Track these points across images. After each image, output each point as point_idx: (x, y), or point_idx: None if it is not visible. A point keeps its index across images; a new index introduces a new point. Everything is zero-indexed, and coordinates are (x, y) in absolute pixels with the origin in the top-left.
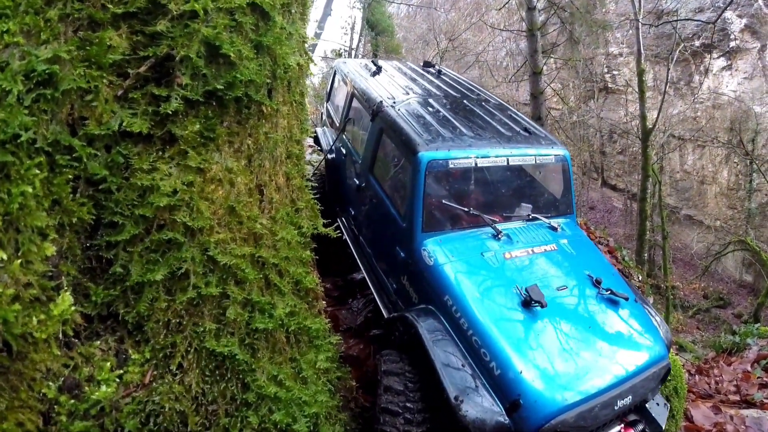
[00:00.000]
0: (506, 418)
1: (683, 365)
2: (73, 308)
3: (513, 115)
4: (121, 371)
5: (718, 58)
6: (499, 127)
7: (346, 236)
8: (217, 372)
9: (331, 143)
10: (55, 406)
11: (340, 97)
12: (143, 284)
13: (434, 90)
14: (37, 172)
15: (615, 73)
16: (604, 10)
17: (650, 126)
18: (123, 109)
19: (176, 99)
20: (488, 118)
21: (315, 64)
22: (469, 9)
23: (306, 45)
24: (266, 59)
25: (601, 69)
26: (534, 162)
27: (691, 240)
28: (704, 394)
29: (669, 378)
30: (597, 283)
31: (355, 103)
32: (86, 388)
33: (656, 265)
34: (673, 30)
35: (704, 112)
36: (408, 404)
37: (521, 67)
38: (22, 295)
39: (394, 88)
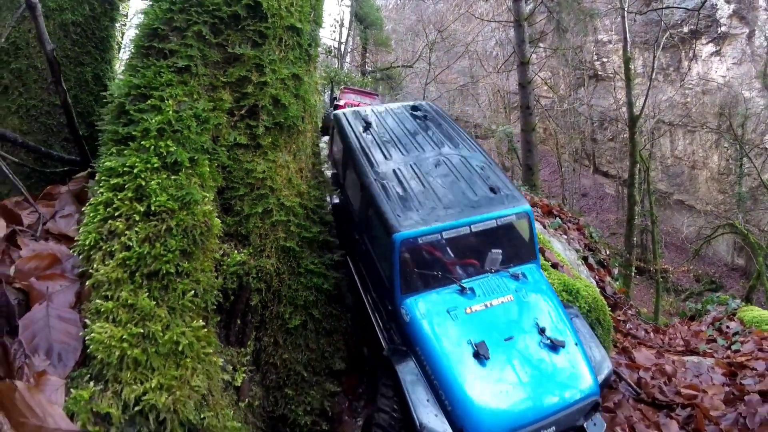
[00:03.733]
0: None
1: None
2: (220, 226)
3: (486, 172)
4: (240, 256)
5: (707, 44)
6: (467, 191)
7: (354, 274)
8: (285, 257)
9: (336, 190)
10: (221, 261)
11: (339, 146)
12: (249, 216)
13: (414, 150)
14: (206, 161)
15: (604, 60)
16: None
17: (637, 113)
18: (235, 131)
19: (260, 126)
20: (460, 181)
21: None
22: (458, 0)
23: (318, 87)
24: (301, 102)
25: (591, 56)
26: (496, 224)
27: (681, 224)
28: (656, 347)
29: (590, 312)
30: (541, 332)
31: (351, 162)
32: (229, 258)
33: (648, 250)
34: (661, 17)
35: (694, 98)
36: (392, 422)
37: (509, 57)
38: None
39: (380, 152)
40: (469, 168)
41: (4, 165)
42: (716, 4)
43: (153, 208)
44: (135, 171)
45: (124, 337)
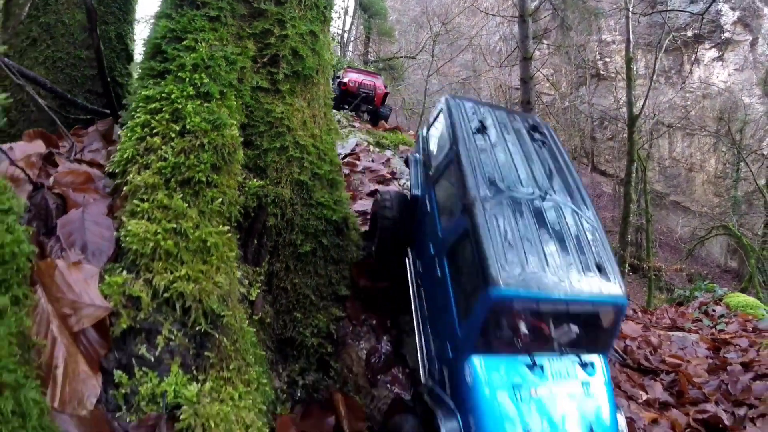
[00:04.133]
0: None
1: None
2: (242, 156)
3: (596, 238)
4: (258, 183)
5: (710, 49)
6: (575, 259)
7: (408, 274)
8: (298, 190)
9: (420, 183)
10: (243, 184)
11: (439, 142)
12: (267, 150)
13: (530, 184)
14: (233, 97)
15: (607, 60)
16: None
17: (637, 113)
18: (257, 76)
19: (280, 73)
20: (569, 242)
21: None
22: None
23: (330, 46)
24: (316, 57)
25: (594, 56)
26: (591, 309)
27: (676, 225)
28: (642, 323)
29: None
30: None
31: (453, 170)
32: (248, 184)
33: (642, 248)
34: (665, 20)
35: (694, 101)
36: None
37: (513, 52)
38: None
39: (493, 172)
40: (581, 228)
41: (41, 100)
42: (721, 11)
43: (188, 127)
44: (172, 97)
45: (158, 231)
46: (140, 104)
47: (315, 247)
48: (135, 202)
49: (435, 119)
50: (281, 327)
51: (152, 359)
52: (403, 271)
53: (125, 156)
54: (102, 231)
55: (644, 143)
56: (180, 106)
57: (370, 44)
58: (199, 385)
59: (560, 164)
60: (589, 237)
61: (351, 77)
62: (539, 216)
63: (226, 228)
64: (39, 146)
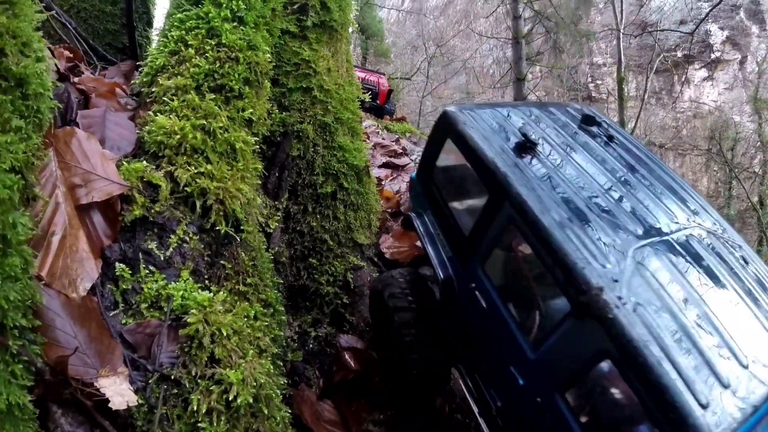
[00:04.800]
0: None
1: None
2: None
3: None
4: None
5: (700, 69)
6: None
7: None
8: (321, 131)
9: (443, 259)
10: (269, 111)
11: (459, 188)
12: (293, 90)
13: (648, 217)
14: (266, 29)
15: (599, 82)
16: (588, 20)
17: (629, 133)
18: (286, 22)
19: (309, 21)
20: (744, 304)
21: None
22: (458, 16)
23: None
24: (342, 13)
25: (585, 78)
26: None
27: None
28: None
29: None
30: None
31: (523, 237)
32: (274, 111)
33: None
34: (656, 40)
35: (685, 121)
36: None
37: (506, 74)
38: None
39: (587, 214)
40: (744, 267)
41: (72, 29)
42: (710, 30)
43: (223, 42)
44: (209, 17)
45: (185, 126)
46: (174, 24)
47: (336, 189)
48: (164, 99)
49: (436, 151)
50: (294, 275)
51: (162, 258)
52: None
53: (156, 65)
54: (123, 131)
55: None
56: (216, 25)
57: (367, 64)
58: (212, 294)
59: (648, 163)
60: (755, 273)
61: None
62: (696, 270)
63: (255, 140)
64: (66, 55)
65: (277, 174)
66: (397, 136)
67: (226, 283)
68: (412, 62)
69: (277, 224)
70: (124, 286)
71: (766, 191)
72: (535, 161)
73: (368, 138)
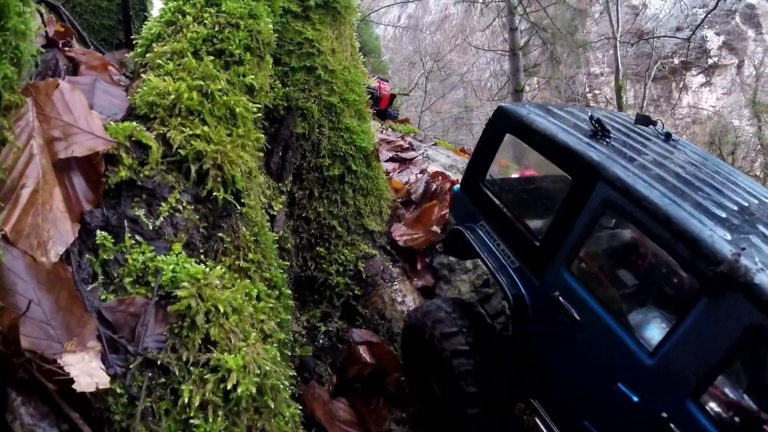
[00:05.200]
0: None
1: None
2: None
3: None
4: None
5: (698, 75)
6: None
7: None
8: (326, 113)
9: (512, 274)
10: (272, 85)
11: (530, 183)
12: (296, 69)
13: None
14: (267, 6)
15: (596, 92)
16: (585, 30)
17: None
18: (289, 1)
19: (312, 1)
20: None
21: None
22: (454, 31)
23: None
24: None
25: (583, 88)
26: None
27: None
28: None
29: None
30: None
31: (612, 215)
32: (277, 85)
33: None
34: (653, 47)
35: (684, 127)
36: None
37: (504, 86)
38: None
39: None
40: None
41: (66, 20)
42: (706, 36)
43: (224, 9)
44: None
45: (180, 87)
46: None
47: (344, 172)
48: (159, 62)
49: (492, 152)
50: (300, 265)
51: (150, 227)
52: None
53: (151, 33)
54: (113, 99)
55: None
56: None
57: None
58: (208, 269)
59: (705, 156)
60: None
61: None
62: None
63: (256, 107)
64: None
65: (280, 153)
66: (401, 134)
67: (225, 259)
68: (409, 78)
69: (281, 206)
70: (105, 257)
71: None
72: (613, 146)
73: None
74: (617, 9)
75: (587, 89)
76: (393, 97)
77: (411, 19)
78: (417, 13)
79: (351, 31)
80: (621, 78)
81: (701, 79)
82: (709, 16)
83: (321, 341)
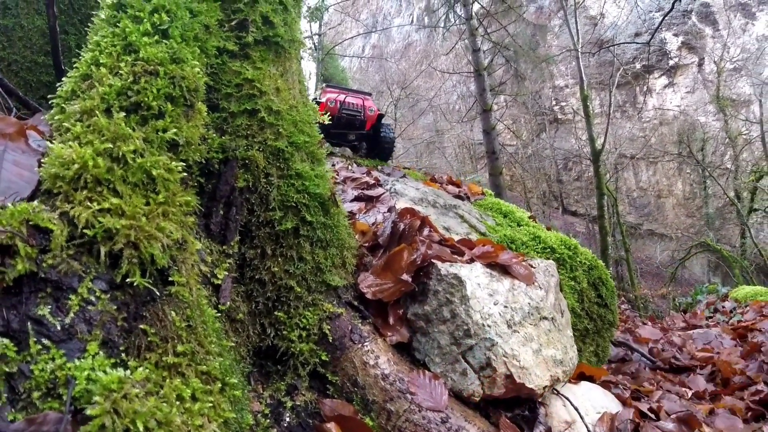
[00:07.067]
0: None
1: None
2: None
3: None
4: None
5: (660, 77)
6: None
7: None
8: (273, 159)
9: None
10: (206, 137)
11: None
12: (236, 114)
13: None
14: (196, 47)
15: (563, 104)
16: (546, 45)
17: (599, 147)
18: (224, 40)
19: (250, 36)
20: None
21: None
22: (418, 57)
23: (300, 24)
24: (288, 29)
25: (549, 102)
26: None
27: (654, 251)
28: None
29: (591, 270)
30: None
31: None
32: (211, 135)
33: (624, 279)
34: (614, 55)
35: (652, 130)
36: None
37: (472, 106)
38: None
39: None
40: None
41: None
42: (665, 38)
43: (142, 56)
44: (126, 32)
45: (86, 154)
46: (89, 47)
47: (297, 224)
48: (65, 125)
49: None
50: (258, 334)
51: (59, 327)
52: None
53: (64, 91)
54: (23, 171)
55: (610, 177)
56: (134, 40)
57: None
58: (127, 372)
59: None
60: None
61: (329, 96)
62: None
63: (180, 167)
64: None
65: (221, 212)
66: (367, 169)
67: (150, 355)
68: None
69: (226, 273)
70: (7, 369)
71: (741, 185)
72: None
73: (337, 174)
74: (576, 21)
75: (554, 102)
76: (381, 117)
77: (375, 49)
78: (381, 42)
79: (298, 66)
80: (586, 88)
81: (664, 80)
82: (666, 18)
83: (288, 420)
